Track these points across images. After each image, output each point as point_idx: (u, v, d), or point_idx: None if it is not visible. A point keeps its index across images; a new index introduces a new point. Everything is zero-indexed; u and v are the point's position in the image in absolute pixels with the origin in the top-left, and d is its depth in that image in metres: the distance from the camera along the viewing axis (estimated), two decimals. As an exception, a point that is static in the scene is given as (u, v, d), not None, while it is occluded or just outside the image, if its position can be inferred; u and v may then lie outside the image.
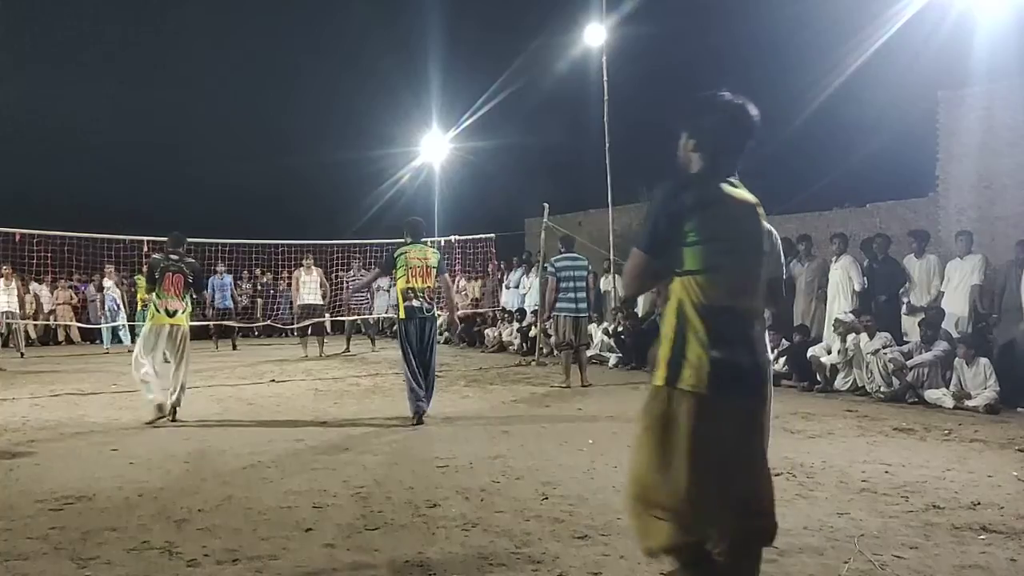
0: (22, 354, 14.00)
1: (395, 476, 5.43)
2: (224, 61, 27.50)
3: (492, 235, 17.37)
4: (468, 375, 11.62)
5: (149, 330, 7.47)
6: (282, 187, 26.08)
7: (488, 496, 4.86)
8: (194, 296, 7.82)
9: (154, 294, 7.45)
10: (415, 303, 7.56)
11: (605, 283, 14.39)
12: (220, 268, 16.68)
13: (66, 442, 6.73)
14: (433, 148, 22.73)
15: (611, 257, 13.64)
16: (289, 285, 17.95)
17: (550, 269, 10.22)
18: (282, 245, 16.95)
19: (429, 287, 7.66)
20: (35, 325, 17.02)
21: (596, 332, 13.03)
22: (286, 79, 28.71)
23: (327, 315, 15.09)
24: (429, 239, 16.94)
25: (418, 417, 7.49)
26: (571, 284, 10.04)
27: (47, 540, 4.08)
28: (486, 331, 16.91)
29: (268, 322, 18.21)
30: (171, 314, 7.40)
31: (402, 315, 7.65)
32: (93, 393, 8.14)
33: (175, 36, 27.64)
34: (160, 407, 7.39)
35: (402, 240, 7.88)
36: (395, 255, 7.68)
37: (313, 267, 15.00)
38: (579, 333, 10.10)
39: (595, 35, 13.89)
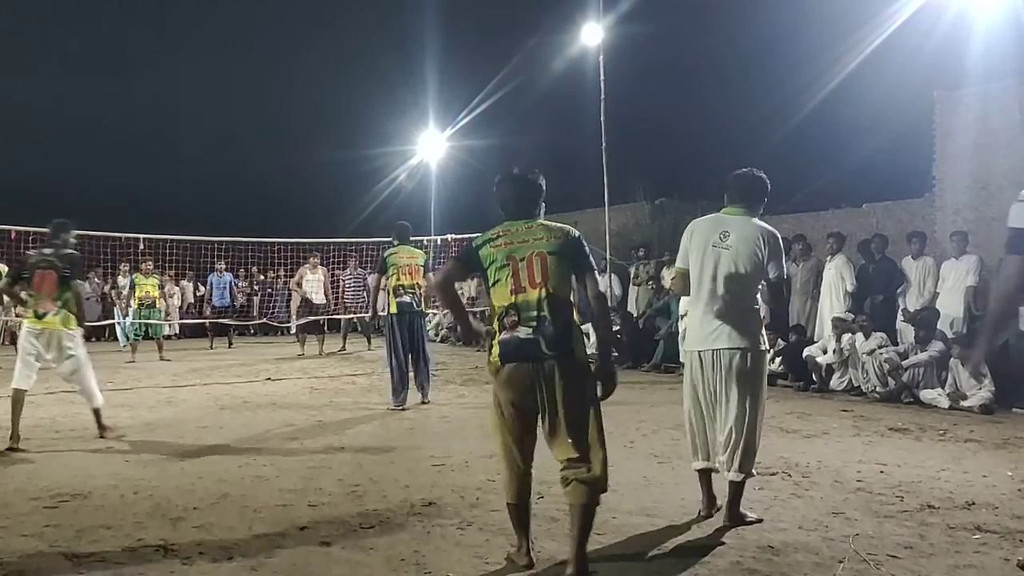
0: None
1: (390, 474, 5.42)
2: (221, 59, 27.50)
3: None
4: (464, 374, 11.62)
5: (23, 336, 6.64)
6: (279, 185, 26.10)
7: (483, 495, 4.86)
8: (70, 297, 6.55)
9: (28, 295, 6.50)
10: (405, 299, 8.22)
11: (602, 283, 14.40)
12: (220, 266, 16.67)
13: (61, 440, 6.72)
14: (430, 147, 22.72)
15: (607, 257, 13.64)
16: (285, 283, 17.97)
17: None
18: (278, 243, 16.91)
19: (418, 284, 8.29)
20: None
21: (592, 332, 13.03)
22: (283, 77, 28.75)
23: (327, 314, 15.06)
24: (425, 238, 17.06)
25: (400, 407, 8.11)
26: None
27: (42, 538, 4.07)
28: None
29: (264, 320, 18.19)
30: (40, 316, 6.42)
31: (393, 310, 8.25)
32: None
33: (171, 33, 27.62)
34: (16, 392, 6.44)
35: (390, 242, 8.62)
36: (385, 256, 8.38)
37: (319, 266, 14.99)
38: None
39: (592, 34, 13.89)
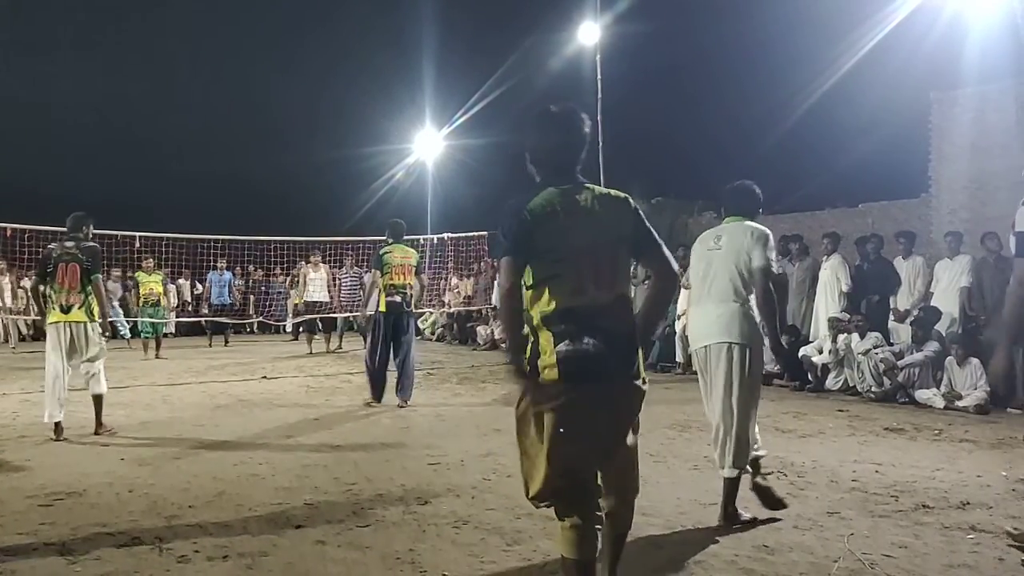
0: (13, 349, 13.90)
1: (386, 473, 5.42)
2: (215, 56, 27.43)
3: (485, 233, 17.35)
4: (460, 372, 11.62)
5: (49, 342, 6.63)
6: (274, 183, 26.04)
7: (479, 493, 4.86)
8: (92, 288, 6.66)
9: (50, 289, 6.60)
10: (396, 298, 8.33)
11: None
12: (220, 264, 16.66)
13: (55, 438, 6.68)
14: (426, 145, 22.72)
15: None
16: (282, 282, 17.95)
17: None
18: (275, 242, 16.89)
19: (410, 284, 8.42)
20: (27, 321, 16.94)
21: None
22: (278, 75, 28.69)
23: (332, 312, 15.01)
24: (422, 236, 17.07)
25: (377, 400, 8.34)
26: None
27: (37, 535, 4.07)
28: (478, 328, 16.92)
29: (261, 318, 18.17)
30: (66, 310, 6.52)
31: (382, 308, 8.36)
32: (83, 389, 8.12)
33: (166, 31, 27.55)
34: (56, 426, 6.54)
35: (384, 240, 8.69)
36: (381, 254, 8.44)
37: (321, 264, 14.95)
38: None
39: (589, 33, 13.91)
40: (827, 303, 10.16)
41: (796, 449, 6.20)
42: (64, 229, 6.92)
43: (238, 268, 18.89)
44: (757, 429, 4.43)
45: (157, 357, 13.73)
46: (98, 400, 6.77)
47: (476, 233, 17.43)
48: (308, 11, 29.09)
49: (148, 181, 25.36)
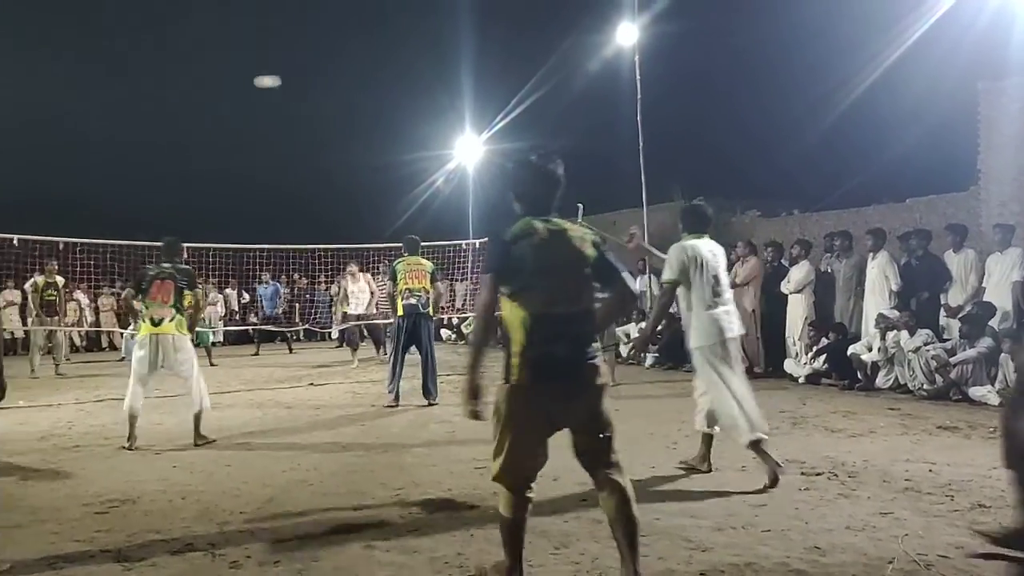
0: (58, 365, 14.04)
1: (433, 478, 5.45)
2: (256, 65, 27.85)
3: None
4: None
5: (138, 343, 6.90)
6: (316, 191, 26.34)
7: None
8: (184, 304, 7.01)
9: (143, 304, 6.92)
10: (412, 300, 8.81)
11: (641, 283, 14.31)
12: (265, 277, 16.92)
13: (110, 446, 6.85)
14: (466, 150, 22.80)
15: (646, 257, 13.55)
16: (326, 289, 18.14)
17: None
18: (318, 250, 17.08)
19: (424, 288, 8.87)
20: (80, 332, 17.36)
21: (633, 331, 12.95)
22: (319, 83, 28.97)
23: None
24: (464, 241, 17.15)
25: (396, 401, 8.76)
26: None
27: (93, 542, 4.16)
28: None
29: (306, 326, 18.39)
30: (156, 323, 6.81)
31: (400, 312, 8.86)
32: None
33: (204, 40, 27.95)
34: (131, 423, 6.75)
35: (400, 253, 9.35)
36: (394, 265, 9.05)
37: (359, 273, 15.01)
38: (606, 334, 10.10)
39: (627, 34, 13.84)
40: (875, 301, 9.97)
41: (847, 449, 6.10)
42: (119, 242, 7.11)
43: (283, 276, 19.17)
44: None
45: (211, 364, 13.97)
46: (197, 417, 6.92)
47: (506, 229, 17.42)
48: (346, 20, 29.37)
49: (192, 190, 25.81)
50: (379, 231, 20.40)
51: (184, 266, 7.31)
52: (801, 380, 10.22)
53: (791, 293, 10.78)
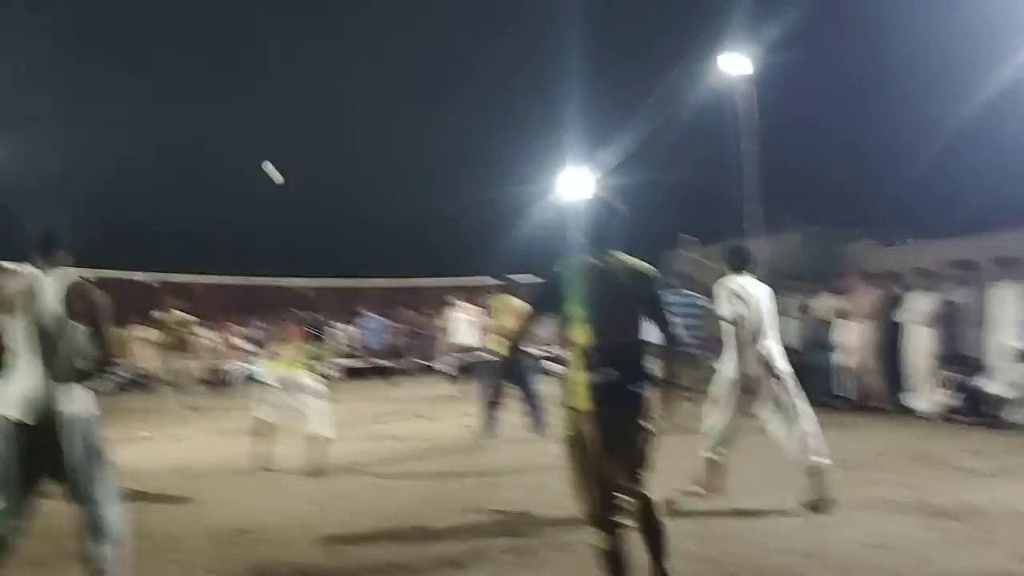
0: (185, 398, 14.73)
1: (547, 513, 5.42)
2: (359, 101, 28.75)
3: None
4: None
5: (266, 377, 7.64)
6: (422, 226, 26.85)
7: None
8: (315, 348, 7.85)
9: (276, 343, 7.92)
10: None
11: (677, 325, 13.98)
12: (366, 312, 17.44)
13: (231, 478, 7.13)
14: (569, 184, 22.88)
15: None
16: (434, 323, 18.46)
17: None
18: (425, 285, 17.51)
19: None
20: (207, 367, 18.13)
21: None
22: (423, 119, 29.64)
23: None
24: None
25: (492, 434, 8.85)
26: (680, 320, 10.09)
27: (217, 572, 4.34)
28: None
29: (417, 360, 18.71)
30: (284, 361, 7.64)
31: (500, 350, 8.96)
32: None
33: (312, 76, 28.95)
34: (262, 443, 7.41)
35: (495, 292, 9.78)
36: (491, 304, 9.51)
37: (463, 306, 15.28)
38: (692, 367, 10.09)
39: (736, 64, 13.67)
40: (1003, 333, 9.41)
41: (978, 489, 5.76)
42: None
43: (392, 311, 19.65)
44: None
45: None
46: (314, 440, 7.29)
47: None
48: (455, 54, 30.03)
49: (303, 228, 26.64)
50: (485, 265, 20.64)
51: (317, 317, 8.42)
52: (925, 416, 9.72)
53: (914, 325, 10.29)
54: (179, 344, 14.12)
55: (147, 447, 8.99)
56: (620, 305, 3.47)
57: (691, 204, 21.16)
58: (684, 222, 16.46)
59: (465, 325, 14.88)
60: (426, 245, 25.01)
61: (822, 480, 5.27)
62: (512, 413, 9.31)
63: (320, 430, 7.26)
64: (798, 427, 5.45)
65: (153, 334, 14.57)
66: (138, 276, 13.37)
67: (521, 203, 24.63)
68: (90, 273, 13.85)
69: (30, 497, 3.65)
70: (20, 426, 3.55)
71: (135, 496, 6.27)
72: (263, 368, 7.85)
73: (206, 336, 17.95)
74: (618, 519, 3.40)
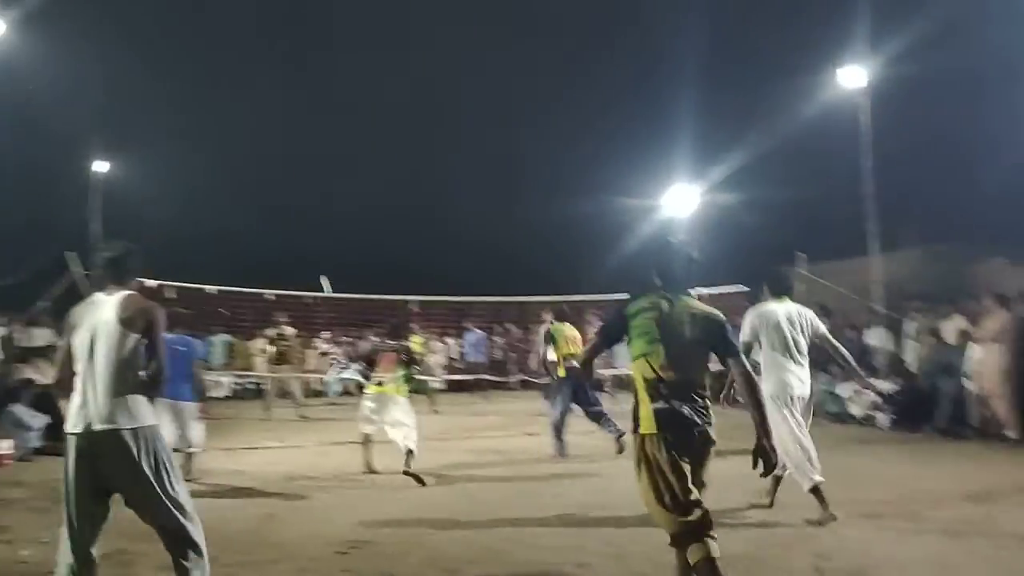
0: (297, 408, 15.21)
1: (653, 536, 5.30)
2: (467, 115, 29.18)
3: (743, 287, 16.79)
4: (726, 432, 11.21)
5: (364, 401, 8.50)
6: (527, 241, 26.98)
7: (754, 564, 4.65)
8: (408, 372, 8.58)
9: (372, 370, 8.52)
10: (575, 363, 9.19)
11: (870, 337, 13.41)
12: (469, 325, 17.65)
13: (347, 488, 7.34)
14: (677, 200, 22.58)
15: (877, 309, 12.74)
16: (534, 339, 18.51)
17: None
18: (532, 301, 17.59)
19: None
20: (317, 378, 18.70)
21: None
22: (528, 136, 29.80)
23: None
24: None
25: (560, 455, 9.15)
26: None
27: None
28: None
29: (521, 375, 18.76)
30: (380, 384, 8.33)
31: (562, 374, 9.48)
32: (379, 443, 8.99)
33: (419, 96, 29.50)
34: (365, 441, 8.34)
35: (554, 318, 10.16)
36: (551, 331, 9.92)
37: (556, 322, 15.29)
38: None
39: (853, 77, 13.18)
40: None
41: None
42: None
43: (497, 326, 19.79)
44: None
45: (434, 412, 14.60)
46: (409, 453, 7.83)
47: (730, 289, 16.94)
48: (561, 70, 30.08)
49: (418, 244, 27.18)
50: (587, 282, 20.55)
51: (406, 344, 9.02)
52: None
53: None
54: (290, 356, 14.68)
55: (267, 455, 9.32)
56: (687, 345, 3.68)
57: (806, 221, 20.51)
58: (798, 239, 15.93)
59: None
60: (536, 262, 25.08)
61: (823, 497, 5.64)
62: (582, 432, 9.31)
63: (408, 444, 7.87)
64: (804, 444, 5.83)
65: (267, 346, 15.18)
66: (259, 292, 13.98)
67: (626, 220, 24.43)
68: (210, 287, 14.61)
69: (101, 509, 3.69)
70: (81, 440, 3.63)
71: (260, 505, 6.52)
72: (366, 390, 8.57)
73: (316, 349, 18.54)
74: (700, 532, 3.49)
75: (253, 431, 10.96)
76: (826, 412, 12.84)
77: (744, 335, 5.96)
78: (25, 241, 14.34)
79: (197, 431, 7.81)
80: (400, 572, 4.62)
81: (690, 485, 3.55)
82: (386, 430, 8.17)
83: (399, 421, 8.10)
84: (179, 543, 3.71)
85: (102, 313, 3.75)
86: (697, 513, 3.51)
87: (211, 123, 26.08)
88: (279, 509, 6.35)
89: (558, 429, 9.39)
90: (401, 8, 29.05)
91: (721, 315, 3.83)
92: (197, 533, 3.74)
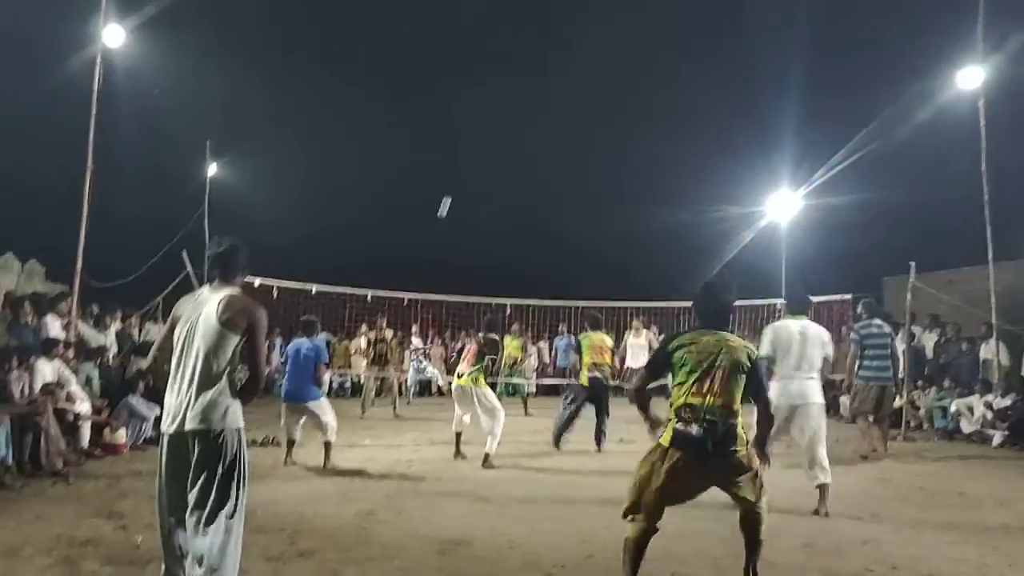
0: (395, 407, 15.51)
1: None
2: (565, 121, 29.09)
3: (848, 296, 16.25)
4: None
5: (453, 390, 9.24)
6: (622, 248, 26.75)
7: None
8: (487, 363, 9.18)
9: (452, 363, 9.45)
10: (597, 374, 10.20)
11: (986, 351, 12.77)
12: (562, 328, 17.72)
13: (444, 487, 7.43)
14: (780, 206, 21.99)
15: (993, 321, 12.12)
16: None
17: (853, 336, 10.29)
18: (619, 307, 17.60)
19: (608, 363, 10.38)
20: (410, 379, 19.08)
21: (977, 404, 11.57)
22: (624, 142, 29.55)
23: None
24: (777, 300, 16.48)
25: (556, 446, 10.02)
26: (875, 352, 9.96)
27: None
28: (841, 399, 15.79)
29: (616, 383, 18.66)
30: (459, 376, 8.98)
31: (584, 382, 10.19)
32: (464, 443, 9.08)
33: (519, 103, 29.57)
34: (457, 440, 9.26)
35: (585, 329, 10.78)
36: (580, 339, 10.59)
37: (643, 329, 15.34)
38: (885, 400, 9.95)
39: (970, 78, 12.56)
40: None
41: None
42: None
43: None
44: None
45: (526, 414, 14.68)
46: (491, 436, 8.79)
47: (836, 297, 16.44)
48: (656, 77, 29.74)
49: (518, 248, 27.26)
50: (684, 289, 20.25)
51: (493, 338, 9.35)
52: None
53: None
54: (388, 356, 15.04)
55: (365, 453, 9.53)
56: (716, 377, 4.14)
57: (919, 228, 19.65)
58: (910, 247, 15.28)
59: (636, 347, 14.98)
60: (631, 267, 24.89)
61: (826, 496, 6.41)
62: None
63: (490, 441, 8.71)
64: (818, 452, 6.52)
65: (365, 346, 15.58)
66: (359, 292, 14.42)
67: (725, 227, 23.95)
68: (311, 287, 15.09)
69: (190, 508, 3.63)
70: (173, 440, 3.64)
71: (360, 503, 6.66)
72: (452, 382, 9.25)
73: (412, 349, 18.84)
74: (651, 524, 4.22)
75: (351, 430, 11.21)
76: (936, 428, 12.35)
77: (764, 348, 6.69)
78: (149, 241, 15.14)
79: (331, 421, 8.50)
80: (499, 574, 4.67)
81: (663, 500, 4.20)
82: (465, 420, 9.00)
83: (487, 411, 8.74)
84: (198, 556, 3.59)
85: (205, 310, 3.72)
86: (639, 520, 4.23)
87: (318, 131, 26.88)
88: (378, 507, 6.47)
89: (560, 428, 10.08)
90: (519, 30, 29.25)
91: (756, 352, 4.35)
92: (218, 555, 3.57)
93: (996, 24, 12.66)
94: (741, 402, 4.20)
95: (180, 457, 3.61)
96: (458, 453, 9.17)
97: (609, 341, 10.60)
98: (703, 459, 4.10)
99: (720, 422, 4.08)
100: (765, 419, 4.44)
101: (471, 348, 9.10)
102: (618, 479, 8.05)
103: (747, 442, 4.21)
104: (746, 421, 4.24)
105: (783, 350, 6.70)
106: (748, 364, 4.21)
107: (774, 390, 6.17)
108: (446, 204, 16.55)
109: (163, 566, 3.75)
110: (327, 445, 8.41)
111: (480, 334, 9.32)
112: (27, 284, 14.92)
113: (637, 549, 4.22)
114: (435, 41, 29.16)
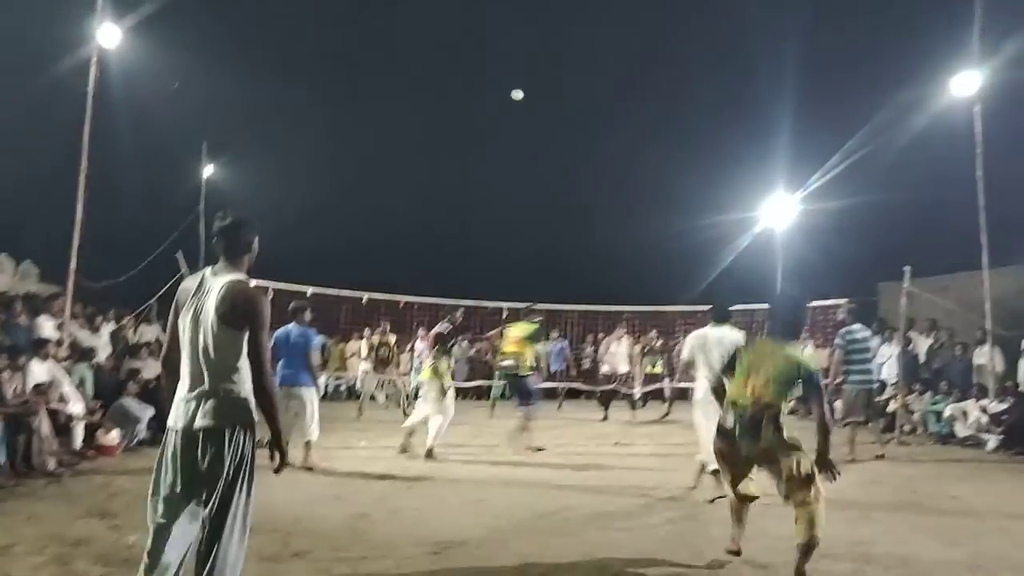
0: (403, 410, 15.50)
1: (747, 552, 5.21)
2: (568, 127, 29.11)
3: (843, 301, 16.25)
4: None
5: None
6: (620, 254, 26.74)
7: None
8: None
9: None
10: (507, 362, 10.74)
11: (979, 355, 12.79)
12: (554, 334, 17.74)
13: (439, 489, 7.42)
14: (775, 212, 22.00)
15: (987, 326, 12.14)
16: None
17: (838, 342, 10.35)
18: (624, 311, 17.62)
19: (521, 353, 10.57)
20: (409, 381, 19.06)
21: (972, 409, 11.58)
22: (622, 150, 29.58)
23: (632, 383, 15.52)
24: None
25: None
26: (859, 356, 10.14)
27: (428, 581, 4.49)
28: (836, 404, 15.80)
29: (613, 386, 18.62)
30: (424, 371, 9.63)
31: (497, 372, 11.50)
32: (460, 445, 9.09)
33: (534, 113, 29.61)
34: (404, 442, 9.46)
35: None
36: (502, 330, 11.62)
37: (624, 336, 15.75)
38: (871, 403, 10.20)
39: (966, 84, 12.58)
40: None
41: None
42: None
43: (590, 336, 19.73)
44: None
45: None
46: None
47: (831, 302, 16.44)
48: (653, 83, 29.74)
49: (517, 251, 27.24)
50: (681, 295, 20.25)
51: (441, 332, 10.01)
52: None
53: None
54: (387, 359, 15.03)
55: (360, 454, 9.52)
56: (763, 380, 4.66)
57: (914, 233, 19.68)
58: (905, 252, 15.29)
59: (615, 357, 15.31)
60: (629, 273, 24.87)
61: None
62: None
63: (429, 439, 9.08)
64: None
65: (366, 350, 15.58)
66: (356, 295, 14.45)
67: (721, 233, 23.95)
68: (307, 289, 15.07)
69: (191, 509, 3.41)
70: (179, 437, 3.40)
71: (355, 504, 6.66)
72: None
73: (413, 352, 18.79)
74: (733, 486, 4.95)
75: (346, 431, 11.21)
76: (929, 432, 12.36)
77: (685, 353, 7.40)
78: (144, 242, 15.14)
79: (315, 420, 8.43)
80: (494, 574, 4.66)
81: (728, 470, 4.95)
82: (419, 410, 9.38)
83: (429, 413, 9.17)
84: (204, 560, 3.37)
85: (206, 302, 3.44)
86: (726, 481, 5.05)
87: (318, 131, 26.84)
88: (372, 508, 6.46)
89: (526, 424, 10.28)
90: (545, 40, 29.31)
91: (808, 364, 4.75)
92: (227, 560, 3.38)
93: (992, 29, 12.69)
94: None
95: (187, 454, 3.38)
96: (405, 450, 9.40)
97: (519, 333, 10.84)
98: (734, 444, 4.76)
99: (750, 416, 4.65)
100: (821, 429, 4.66)
101: (430, 340, 9.89)
102: (612, 480, 8.15)
103: (775, 434, 4.60)
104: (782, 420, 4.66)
105: (704, 355, 7.13)
106: (799, 376, 4.68)
107: (702, 390, 6.98)
108: (518, 93, 16.52)
109: (144, 561, 3.42)
110: (307, 445, 8.34)
111: (432, 331, 9.96)
112: (21, 285, 14.90)
113: (733, 507, 5.03)
114: (435, 41, 29.18)
